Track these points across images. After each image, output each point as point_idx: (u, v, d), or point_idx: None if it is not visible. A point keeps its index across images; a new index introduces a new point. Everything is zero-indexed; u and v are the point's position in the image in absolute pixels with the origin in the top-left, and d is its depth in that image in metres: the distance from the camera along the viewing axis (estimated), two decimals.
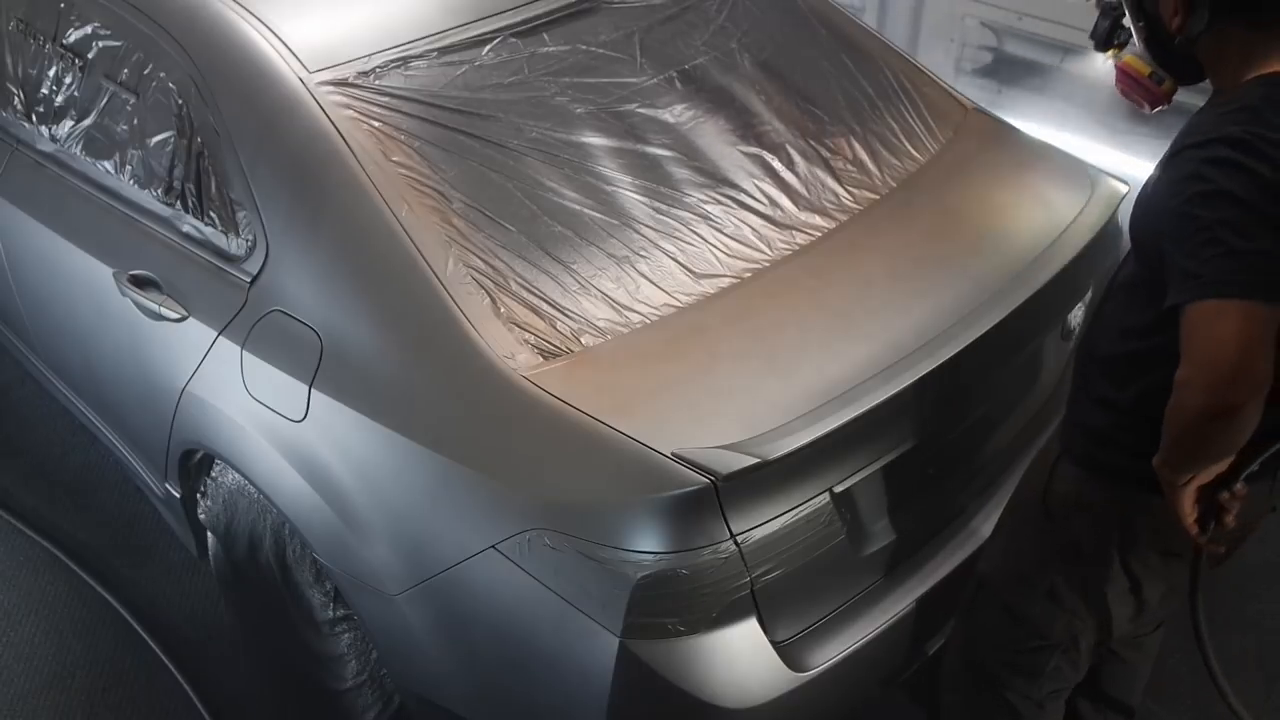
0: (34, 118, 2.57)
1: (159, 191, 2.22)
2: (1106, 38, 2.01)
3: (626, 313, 1.83)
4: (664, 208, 1.98)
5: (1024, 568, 1.75)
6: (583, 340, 1.78)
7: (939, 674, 1.95)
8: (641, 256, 1.91)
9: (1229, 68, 1.51)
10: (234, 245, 2.05)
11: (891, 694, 2.00)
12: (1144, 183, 1.58)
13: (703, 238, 1.96)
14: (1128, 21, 1.68)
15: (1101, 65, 2.02)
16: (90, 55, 2.39)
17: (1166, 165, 1.45)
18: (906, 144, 2.28)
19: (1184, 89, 1.68)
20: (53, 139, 2.51)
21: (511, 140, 1.97)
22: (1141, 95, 1.71)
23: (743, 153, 2.12)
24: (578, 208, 1.93)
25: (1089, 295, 2.21)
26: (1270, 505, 1.61)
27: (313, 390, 1.86)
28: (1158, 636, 1.96)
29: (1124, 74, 1.71)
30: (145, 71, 2.23)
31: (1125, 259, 1.67)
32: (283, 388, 1.91)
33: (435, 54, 2.05)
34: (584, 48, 2.15)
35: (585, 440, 1.64)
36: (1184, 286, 1.37)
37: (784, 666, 1.73)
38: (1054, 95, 3.94)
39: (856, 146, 2.23)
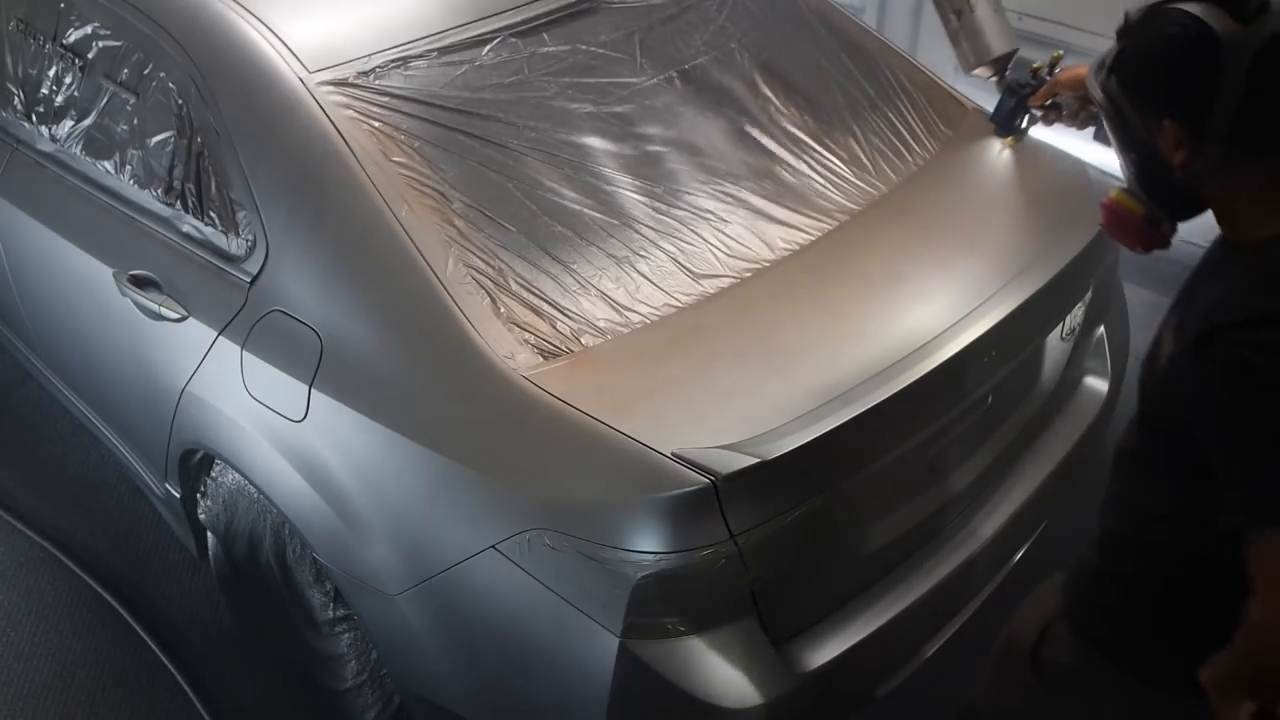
0: (34, 118, 2.57)
1: (159, 191, 2.22)
2: (1008, 122, 1.91)
3: (626, 313, 1.83)
4: (664, 208, 1.98)
5: (1009, 712, 1.65)
6: (583, 340, 1.78)
7: None
8: (641, 256, 1.91)
9: (1248, 216, 1.28)
10: (234, 245, 2.05)
11: (891, 694, 2.00)
12: (1153, 344, 1.38)
13: (702, 238, 1.96)
14: (1116, 154, 1.41)
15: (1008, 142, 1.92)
16: (90, 55, 2.39)
17: (1197, 349, 1.22)
18: (906, 144, 2.28)
19: None
20: (53, 139, 2.51)
21: (511, 140, 1.97)
22: (1134, 240, 1.43)
23: (742, 153, 2.13)
24: (578, 208, 1.93)
25: (1089, 295, 2.21)
26: None
27: (313, 390, 1.86)
28: None
29: (1112, 214, 1.43)
30: (145, 71, 2.23)
31: (1130, 425, 1.46)
32: (283, 388, 1.91)
33: (435, 54, 2.05)
34: (584, 48, 2.15)
35: (585, 440, 1.64)
36: (1253, 509, 1.17)
37: (784, 666, 1.73)
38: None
39: (856, 146, 2.23)
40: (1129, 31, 1.33)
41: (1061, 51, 1.97)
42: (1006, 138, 1.91)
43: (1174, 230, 1.41)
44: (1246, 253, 1.28)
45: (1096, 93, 1.37)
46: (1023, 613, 1.65)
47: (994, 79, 1.95)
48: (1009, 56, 1.95)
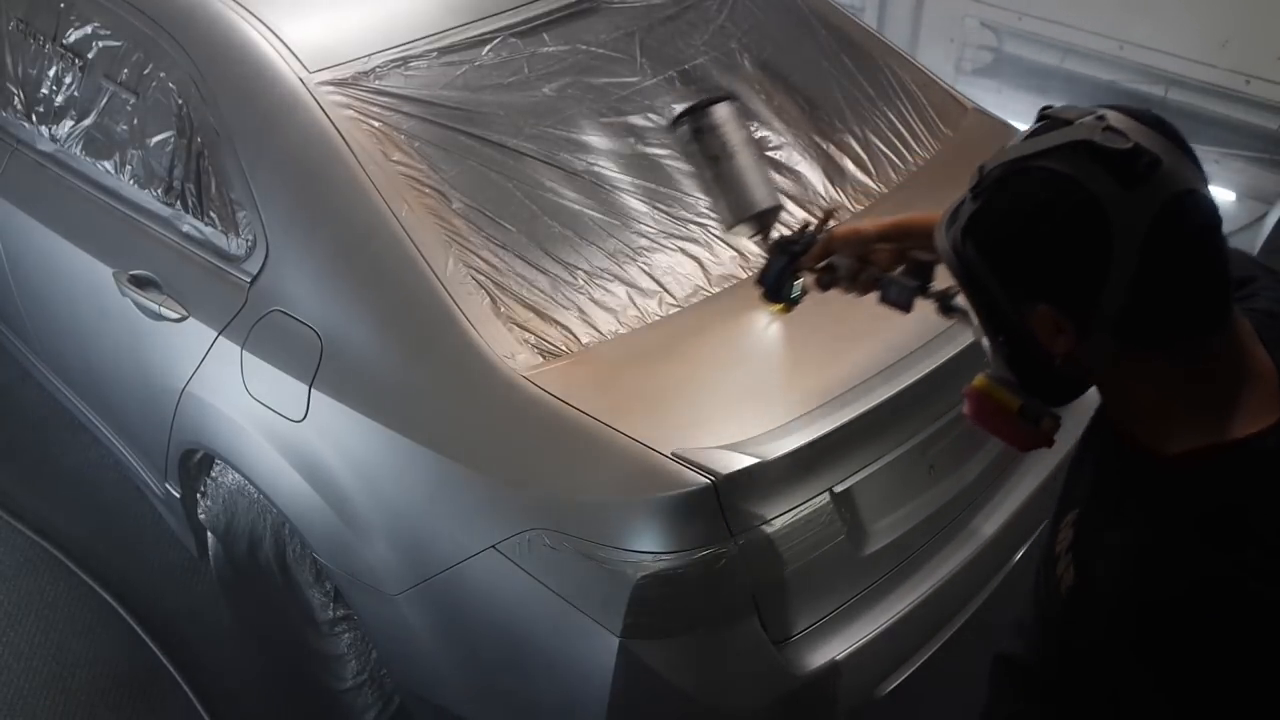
0: (34, 118, 2.57)
1: (159, 191, 2.22)
2: (776, 286, 1.59)
3: (626, 313, 1.83)
4: (664, 207, 1.98)
5: None
6: (583, 340, 1.78)
7: None
8: (641, 256, 1.91)
9: (1151, 417, 1.05)
10: (234, 245, 2.05)
11: (891, 694, 2.00)
12: (1045, 555, 1.17)
13: (702, 238, 1.96)
14: (983, 340, 1.14)
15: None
16: (90, 55, 2.39)
17: (1141, 627, 0.99)
18: (906, 144, 2.29)
19: None
20: (53, 139, 2.51)
21: (511, 140, 1.97)
22: (1009, 438, 1.17)
23: None
24: (578, 208, 1.93)
25: None
26: None
27: (313, 390, 1.86)
28: None
29: (980, 407, 1.16)
30: (145, 71, 2.23)
31: (1018, 629, 1.26)
32: (283, 388, 1.91)
33: (435, 54, 2.05)
34: (584, 48, 2.16)
35: (585, 440, 1.64)
36: None
37: (784, 666, 1.73)
38: (1054, 95, 3.94)
39: (856, 146, 2.23)
40: (988, 190, 1.06)
41: (834, 206, 1.71)
42: (776, 305, 1.64)
43: (1057, 425, 1.14)
44: (1159, 473, 1.04)
45: (949, 256, 1.11)
46: None
47: (756, 239, 1.65)
48: (773, 213, 1.66)
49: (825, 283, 1.55)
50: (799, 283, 1.60)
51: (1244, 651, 0.96)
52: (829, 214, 1.64)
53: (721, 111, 1.66)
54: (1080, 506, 1.14)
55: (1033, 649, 1.21)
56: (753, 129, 2.17)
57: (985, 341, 1.14)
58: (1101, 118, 1.00)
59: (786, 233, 1.59)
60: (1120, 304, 0.99)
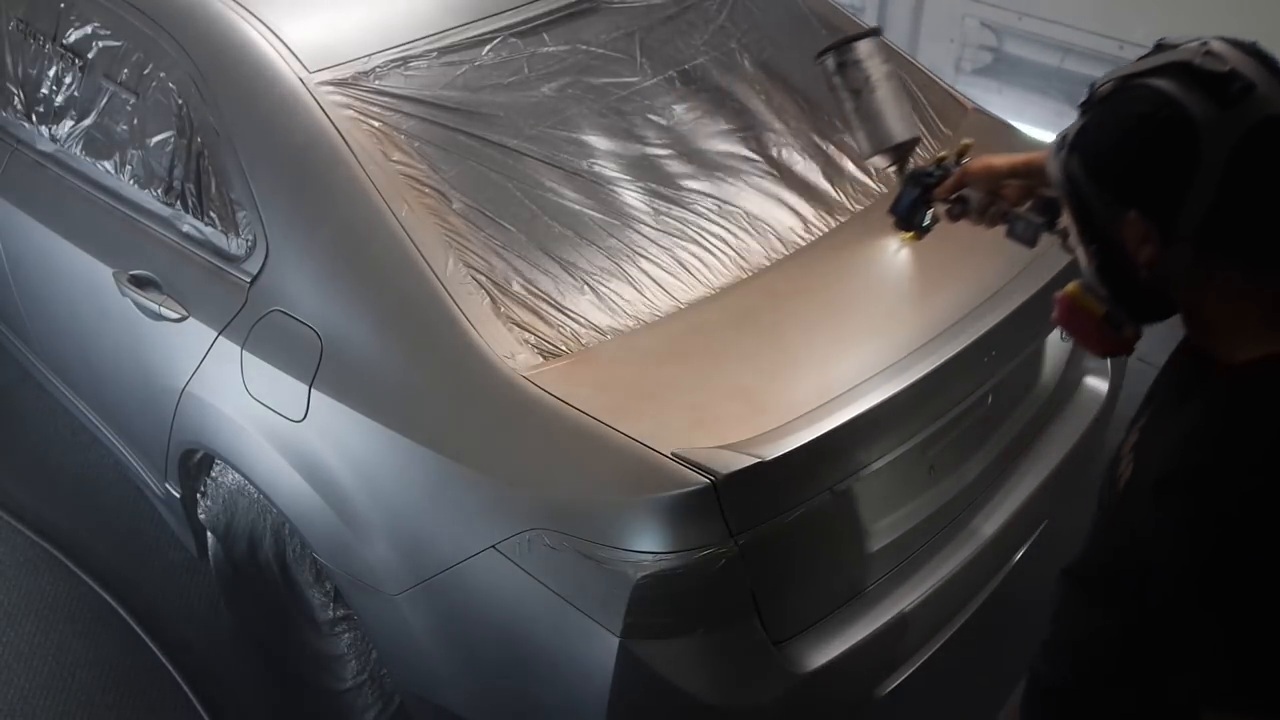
0: (34, 118, 2.57)
1: (159, 191, 2.22)
2: (910, 216, 1.69)
3: (626, 313, 1.83)
4: (664, 207, 1.98)
5: None
6: (583, 340, 1.78)
7: None
8: (641, 256, 1.91)
9: (1224, 333, 1.12)
10: (234, 245, 2.05)
11: (891, 694, 2.00)
12: (1112, 460, 1.23)
13: (703, 238, 1.96)
14: (1074, 242, 1.22)
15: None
16: (90, 55, 2.39)
17: (1164, 491, 1.08)
18: None
19: None
20: (53, 139, 2.51)
21: (511, 140, 1.97)
22: (1092, 342, 1.26)
23: (743, 152, 2.12)
24: (578, 208, 1.93)
25: None
26: None
27: (313, 390, 1.86)
28: None
29: (1068, 311, 1.24)
30: (145, 71, 2.23)
31: (1083, 539, 1.33)
32: (283, 388, 1.91)
33: (435, 54, 2.05)
34: (584, 48, 2.16)
35: (585, 440, 1.64)
36: (1211, 687, 1.07)
37: (784, 666, 1.73)
38: (1054, 95, 3.94)
39: (856, 146, 2.23)
40: (1094, 105, 1.15)
41: (970, 140, 1.76)
42: (907, 234, 1.73)
43: (1138, 335, 1.23)
44: (1223, 380, 1.12)
45: (1057, 174, 1.18)
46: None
47: (893, 169, 1.74)
48: (911, 144, 1.74)
49: (955, 214, 1.66)
50: (930, 212, 1.69)
51: (1252, 556, 1.02)
52: (964, 149, 1.73)
53: (864, 47, 1.76)
54: (1148, 413, 1.23)
55: (1092, 552, 1.28)
56: (754, 128, 2.17)
57: (1081, 255, 1.21)
58: (1205, 44, 1.09)
59: (922, 164, 1.70)
60: (1201, 216, 1.06)
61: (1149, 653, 1.16)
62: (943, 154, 1.71)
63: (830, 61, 1.77)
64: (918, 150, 1.81)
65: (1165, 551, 1.09)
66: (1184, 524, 1.06)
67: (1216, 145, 1.05)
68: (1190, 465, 1.07)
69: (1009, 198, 1.60)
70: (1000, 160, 1.60)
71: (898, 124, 1.73)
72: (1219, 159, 1.05)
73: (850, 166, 2.19)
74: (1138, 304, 1.19)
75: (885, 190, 2.18)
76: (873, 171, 2.20)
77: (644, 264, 1.90)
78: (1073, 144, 1.16)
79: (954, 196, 1.64)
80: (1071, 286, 1.24)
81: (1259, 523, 1.02)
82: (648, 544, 1.57)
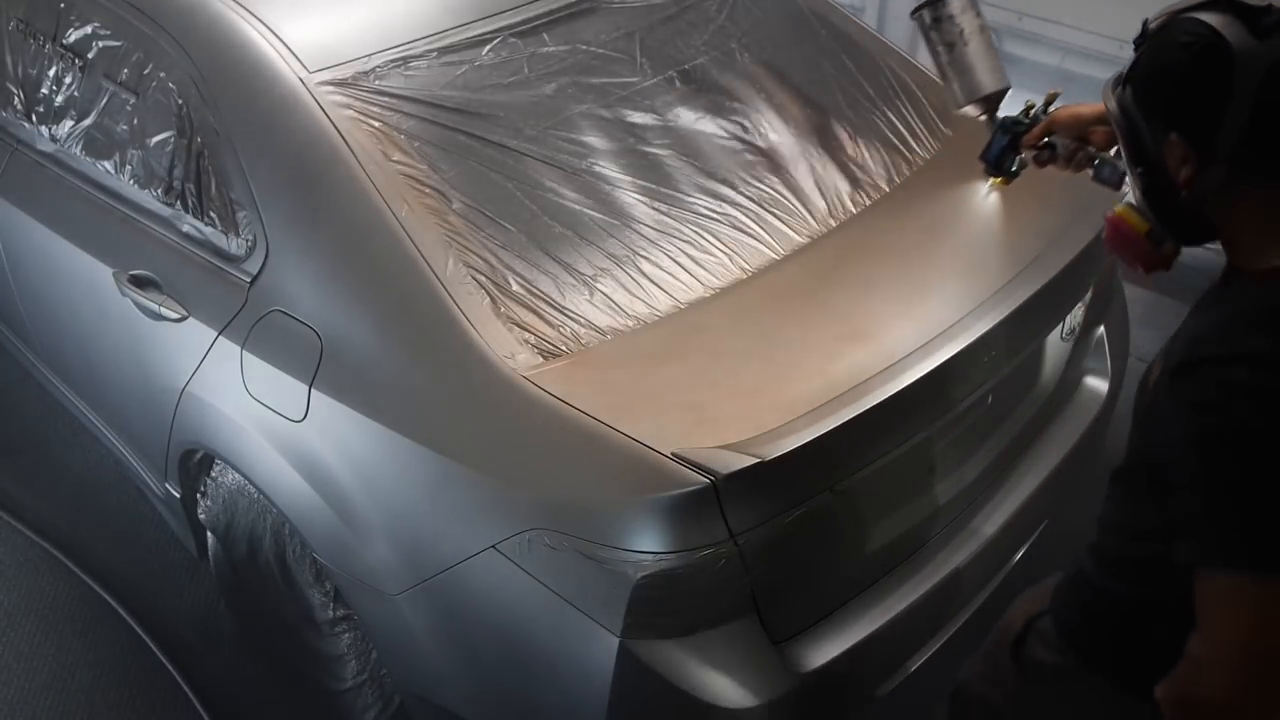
0: (34, 118, 2.57)
1: (159, 191, 2.22)
2: (999, 162, 1.80)
3: (626, 313, 1.83)
4: (664, 207, 1.98)
5: (991, 701, 1.65)
6: (583, 340, 1.78)
7: None
8: (641, 256, 1.91)
9: (1251, 244, 1.23)
10: (234, 245, 2.05)
11: (891, 694, 2.00)
12: (1148, 368, 1.34)
13: (703, 238, 1.96)
14: (1124, 164, 1.36)
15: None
16: (90, 55, 2.39)
17: (1177, 375, 1.19)
18: (906, 144, 2.28)
19: None
20: (53, 139, 2.51)
21: (511, 140, 1.97)
22: (1135, 257, 1.37)
23: (743, 152, 2.13)
24: (578, 208, 1.93)
25: (1089, 295, 2.21)
26: None
27: (313, 390, 1.86)
28: None
29: (1116, 229, 1.37)
30: (145, 71, 2.23)
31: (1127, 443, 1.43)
32: (283, 388, 1.91)
33: (435, 54, 2.05)
34: (584, 48, 2.15)
35: (585, 440, 1.64)
36: (1193, 540, 1.17)
37: (784, 666, 1.73)
38: None
39: (856, 146, 2.23)
40: (1146, 39, 1.29)
41: (1059, 90, 1.88)
42: (996, 179, 1.85)
43: (1177, 252, 1.35)
44: (1246, 284, 1.24)
45: (1111, 105, 1.31)
46: (1017, 605, 1.65)
47: (984, 118, 1.85)
48: (1000, 94, 1.86)
49: (1043, 160, 1.78)
50: (1019, 159, 1.79)
51: (1253, 425, 1.13)
52: (1051, 97, 1.84)
53: (957, 2, 1.87)
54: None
55: (1130, 453, 1.39)
56: (753, 129, 2.17)
57: (1131, 180, 1.33)
58: None
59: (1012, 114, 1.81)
60: (1235, 139, 1.18)
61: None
62: (1030, 103, 1.82)
63: (926, 16, 1.86)
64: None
65: (1176, 429, 1.19)
66: (1190, 403, 1.17)
67: (1250, 72, 1.16)
68: (1201, 352, 1.18)
69: (1095, 143, 1.71)
70: (1087, 108, 1.71)
71: (988, 76, 1.86)
72: (1252, 85, 1.16)
73: (850, 166, 2.19)
74: (1178, 222, 1.31)
75: (886, 190, 2.18)
76: (873, 171, 2.20)
77: (644, 264, 1.90)
78: (1126, 77, 1.30)
79: (1041, 143, 1.77)
80: (1120, 208, 1.36)
81: (1256, 403, 1.12)
82: (648, 544, 1.57)
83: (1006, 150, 1.77)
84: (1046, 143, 1.76)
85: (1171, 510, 1.21)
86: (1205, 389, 1.16)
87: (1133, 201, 1.34)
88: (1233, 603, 1.14)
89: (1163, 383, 1.22)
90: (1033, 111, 1.80)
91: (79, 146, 2.43)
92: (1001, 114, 1.88)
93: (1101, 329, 2.40)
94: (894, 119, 2.32)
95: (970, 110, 1.87)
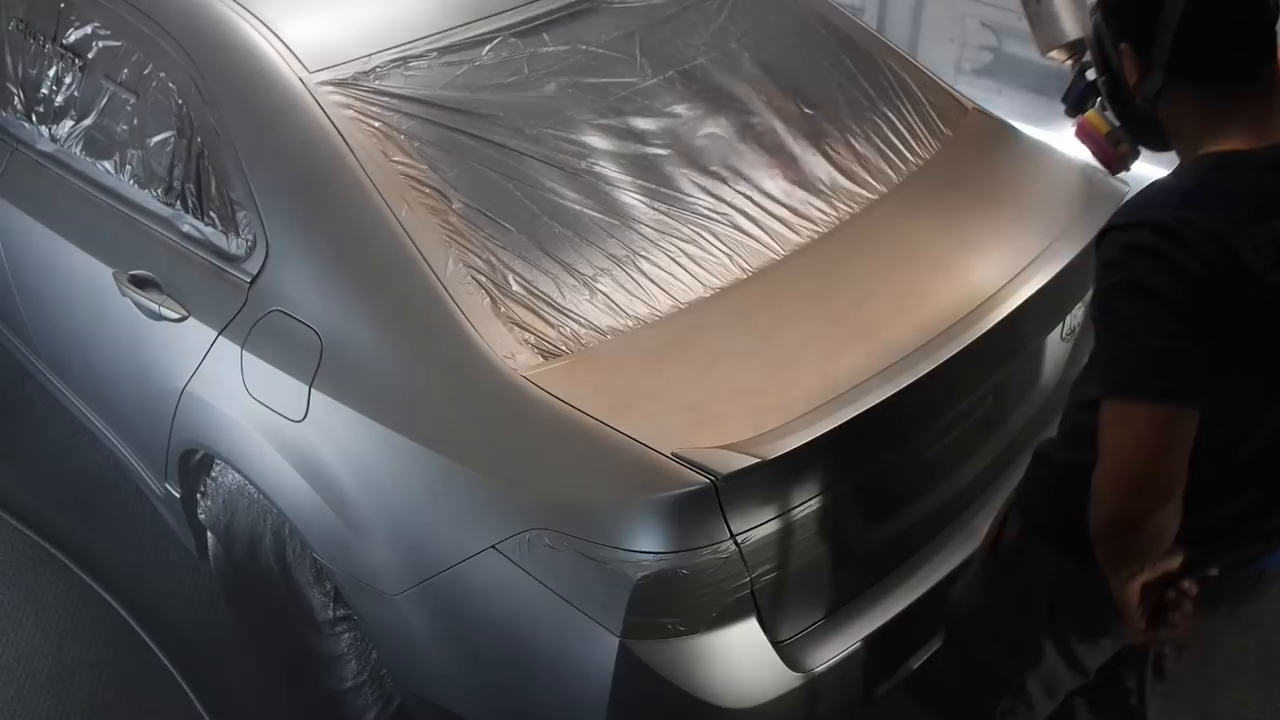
0: (34, 118, 2.57)
1: (159, 191, 2.22)
2: (1079, 103, 1.95)
3: (626, 313, 1.83)
4: (664, 208, 1.98)
5: (978, 607, 1.75)
6: (583, 340, 1.78)
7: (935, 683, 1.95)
8: (641, 256, 1.91)
9: (1185, 138, 1.40)
10: (234, 245, 2.05)
11: (891, 694, 2.00)
12: None
13: (703, 238, 1.96)
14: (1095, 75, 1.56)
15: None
16: (90, 55, 2.39)
17: (1097, 242, 1.36)
18: (906, 144, 2.28)
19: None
20: (53, 139, 2.51)
21: (511, 140, 1.97)
22: (1097, 153, 1.66)
23: (743, 153, 2.12)
24: (578, 208, 1.93)
25: (1089, 295, 2.20)
26: (1227, 611, 1.58)
27: (313, 390, 1.86)
28: (1151, 684, 1.85)
29: (1083, 129, 1.67)
30: (145, 71, 2.23)
31: None
32: (283, 388, 1.91)
33: (435, 54, 2.05)
34: (584, 48, 2.15)
35: (585, 440, 1.64)
36: (1099, 380, 1.33)
37: (784, 666, 1.73)
38: (1054, 95, 3.94)
39: (856, 146, 2.23)
40: None
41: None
42: (1076, 116, 1.99)
43: (1134, 154, 1.60)
44: (1182, 166, 1.39)
45: (1088, 26, 1.51)
46: (999, 510, 1.74)
47: (1068, 63, 2.05)
48: (1082, 41, 2.02)
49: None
50: (1098, 100, 1.86)
51: (1147, 280, 1.27)
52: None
53: None
54: None
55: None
56: (753, 129, 2.17)
57: (1100, 87, 1.52)
58: None
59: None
60: (1169, 45, 1.33)
61: None
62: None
63: None
64: None
65: (1095, 288, 1.34)
66: (1101, 263, 1.32)
67: None
68: (1112, 221, 1.34)
69: None
70: None
71: (1071, 24, 2.03)
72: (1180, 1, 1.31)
73: (850, 166, 2.19)
74: (1133, 124, 1.50)
75: (886, 190, 2.18)
76: (873, 171, 2.20)
77: (644, 264, 1.90)
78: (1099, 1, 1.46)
79: None
80: (1090, 112, 1.65)
81: (1150, 261, 1.26)
82: (648, 544, 1.57)
83: (1085, 93, 1.90)
84: None
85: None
86: (1112, 250, 1.31)
87: (1099, 108, 1.62)
88: (1121, 426, 1.29)
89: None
90: None
91: (79, 146, 2.43)
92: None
93: None
94: (894, 119, 2.32)
95: (1055, 55, 2.06)
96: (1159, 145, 1.48)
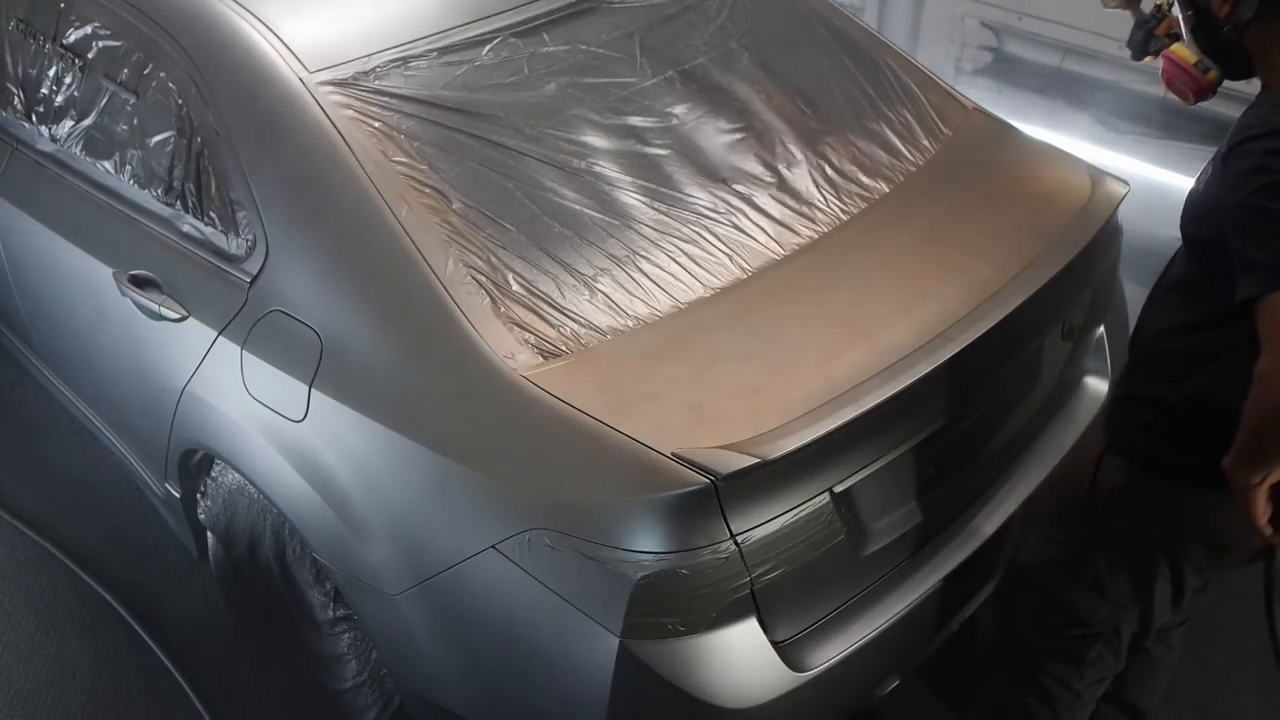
0: (34, 118, 2.57)
1: (159, 191, 2.22)
2: (1142, 47, 2.08)
3: (626, 313, 1.83)
4: (664, 208, 1.98)
5: (1067, 558, 1.81)
6: (583, 340, 1.78)
7: (968, 661, 1.99)
8: (641, 256, 1.91)
9: (1275, 64, 1.52)
10: (234, 245, 2.05)
11: (892, 694, 2.00)
12: (1195, 181, 1.61)
13: (703, 238, 1.96)
14: (1177, 10, 1.68)
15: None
16: (90, 55, 2.39)
17: (1224, 161, 1.46)
18: (906, 144, 2.28)
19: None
20: (53, 139, 2.51)
21: (511, 140, 1.97)
22: (1186, 84, 1.71)
23: (743, 153, 2.12)
24: (578, 208, 1.93)
25: (1089, 295, 2.21)
26: None
27: (313, 390, 1.86)
28: (1182, 633, 2.01)
29: (1170, 62, 1.72)
30: (145, 71, 2.23)
31: (1171, 261, 1.71)
32: (283, 388, 1.91)
33: (435, 54, 2.05)
34: (584, 48, 2.16)
35: (585, 440, 1.64)
36: (1259, 279, 1.39)
37: (784, 666, 1.73)
38: (1054, 95, 3.94)
39: (856, 146, 2.23)
40: None
41: None
42: (1139, 60, 2.10)
43: (1220, 80, 1.67)
44: (1275, 90, 1.51)
45: None
46: (1069, 463, 1.86)
47: (1130, 11, 2.11)
48: None
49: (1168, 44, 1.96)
50: (1156, 44, 1.97)
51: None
52: None
53: None
54: None
55: (1183, 263, 1.67)
56: (753, 129, 2.17)
57: (1182, 23, 1.66)
58: None
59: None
60: None
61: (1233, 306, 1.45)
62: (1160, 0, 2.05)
63: None
64: None
65: (1230, 199, 1.43)
66: (1240, 171, 1.42)
67: None
68: (1244, 135, 1.45)
69: None
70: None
71: None
72: None
73: (850, 166, 2.19)
74: (1220, 54, 1.62)
75: (886, 190, 2.18)
76: (873, 171, 2.20)
77: (644, 264, 1.90)
78: None
79: (1170, 33, 1.95)
80: (1174, 45, 1.72)
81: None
82: (648, 544, 1.57)
83: (1145, 39, 1.99)
84: (1171, 34, 1.96)
85: (1234, 268, 1.43)
86: (1251, 158, 1.41)
87: (1184, 41, 1.68)
88: None
89: (1214, 174, 1.50)
90: (1163, 8, 2.00)
91: (79, 146, 2.43)
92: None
93: (1101, 329, 2.40)
94: (894, 119, 2.32)
95: (1114, 5, 2.13)
96: (1243, 73, 1.61)
